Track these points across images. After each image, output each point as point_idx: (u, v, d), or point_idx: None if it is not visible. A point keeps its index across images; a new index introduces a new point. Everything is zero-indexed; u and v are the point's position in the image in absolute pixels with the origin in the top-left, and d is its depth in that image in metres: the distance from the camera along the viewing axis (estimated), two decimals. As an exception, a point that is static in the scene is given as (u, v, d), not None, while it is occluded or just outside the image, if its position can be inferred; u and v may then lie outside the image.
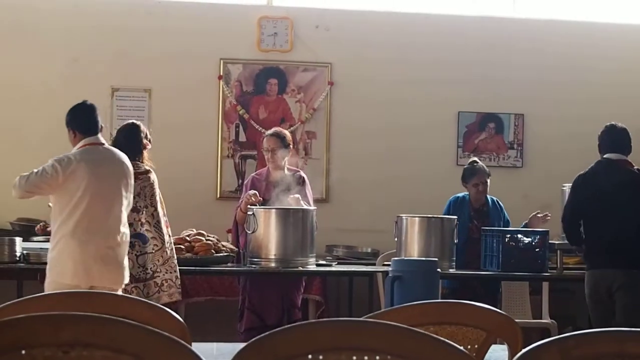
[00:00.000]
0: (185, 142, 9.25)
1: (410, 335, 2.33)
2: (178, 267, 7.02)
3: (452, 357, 2.30)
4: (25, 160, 9.05)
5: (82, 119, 6.26)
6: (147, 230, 6.61)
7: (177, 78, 9.30)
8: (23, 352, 2.26)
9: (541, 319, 8.47)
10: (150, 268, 6.58)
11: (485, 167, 8.07)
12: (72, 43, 9.23)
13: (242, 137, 9.37)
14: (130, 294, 6.11)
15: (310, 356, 2.30)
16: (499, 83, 9.69)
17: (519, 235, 7.72)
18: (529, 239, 7.73)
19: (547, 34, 9.76)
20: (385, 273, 7.10)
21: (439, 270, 6.84)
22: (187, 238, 7.49)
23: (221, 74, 9.41)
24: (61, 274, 6.02)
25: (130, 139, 6.82)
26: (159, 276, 6.61)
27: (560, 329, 8.25)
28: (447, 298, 7.79)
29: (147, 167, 6.80)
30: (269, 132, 7.76)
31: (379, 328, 2.37)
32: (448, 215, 7.90)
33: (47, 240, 7.82)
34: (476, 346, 3.21)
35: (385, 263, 7.80)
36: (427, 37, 9.63)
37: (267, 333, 2.35)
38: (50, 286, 5.99)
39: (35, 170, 6.08)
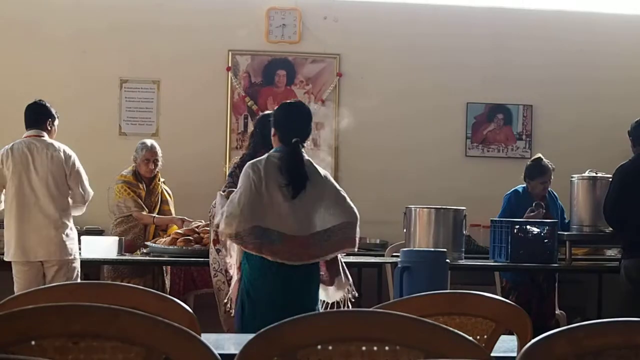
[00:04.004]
0: (193, 134, 9.25)
1: (420, 325, 2.33)
2: (187, 259, 7.20)
3: (462, 347, 2.30)
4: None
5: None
6: None
7: (186, 69, 9.30)
8: (33, 342, 2.27)
9: (550, 309, 8.46)
10: None
11: (550, 163, 8.02)
12: (81, 35, 9.23)
13: (251, 129, 9.36)
14: None
15: (319, 347, 2.30)
16: (507, 74, 9.67)
17: (528, 226, 7.71)
18: (538, 230, 7.71)
19: (556, 25, 9.73)
20: (394, 264, 7.10)
21: (447, 261, 6.84)
22: (196, 229, 7.50)
23: (229, 65, 9.41)
24: None
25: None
26: None
27: (569, 319, 8.25)
28: (509, 292, 7.83)
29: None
30: None
31: (388, 319, 2.37)
32: (509, 210, 7.91)
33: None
34: (485, 336, 3.21)
35: (394, 254, 7.79)
36: (436, 29, 9.61)
37: (276, 324, 2.35)
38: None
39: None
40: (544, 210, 7.93)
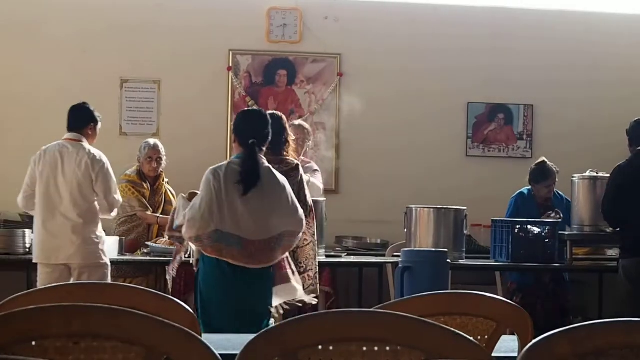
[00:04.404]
0: (194, 134, 9.25)
1: (421, 326, 2.33)
2: (187, 259, 7.21)
3: (463, 347, 2.30)
4: (34, 151, 9.08)
5: None
6: None
7: (187, 69, 9.30)
8: (34, 343, 2.27)
9: (551, 309, 8.45)
10: (303, 262, 6.63)
11: (554, 167, 8.04)
12: (81, 35, 9.23)
13: (252, 129, 9.36)
14: None
15: (320, 347, 2.30)
16: (508, 74, 9.66)
17: (529, 226, 7.71)
18: (539, 230, 7.72)
19: (556, 24, 9.72)
20: (395, 264, 7.11)
21: (448, 261, 6.84)
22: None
23: (230, 65, 9.40)
24: None
25: (278, 131, 6.68)
26: (311, 269, 6.66)
27: (570, 319, 8.24)
28: (515, 293, 7.84)
29: (297, 162, 6.65)
30: (297, 122, 7.87)
31: (389, 319, 2.37)
32: (516, 212, 7.92)
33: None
34: (486, 337, 3.21)
35: (395, 254, 7.80)
36: (436, 28, 9.60)
37: (276, 324, 2.35)
38: None
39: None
40: (560, 217, 7.94)
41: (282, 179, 5.75)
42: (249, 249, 5.50)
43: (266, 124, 5.80)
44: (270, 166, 5.75)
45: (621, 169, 7.21)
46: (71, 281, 6.74)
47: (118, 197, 7.03)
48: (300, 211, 5.77)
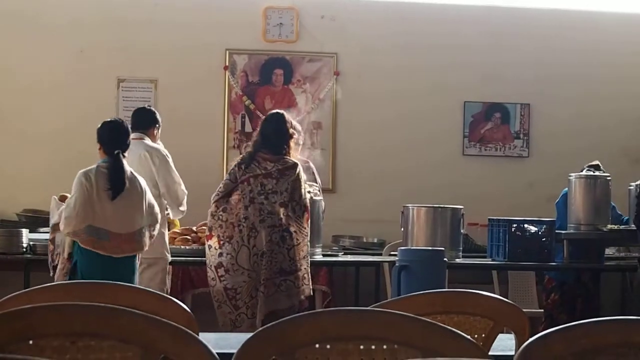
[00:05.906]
0: (191, 133, 9.25)
1: (417, 324, 2.34)
2: (188, 258, 7.21)
3: (459, 346, 2.30)
4: (31, 151, 9.08)
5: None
6: (290, 224, 6.66)
7: (183, 69, 9.30)
8: (31, 342, 2.27)
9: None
10: (297, 261, 6.65)
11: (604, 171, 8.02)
12: (78, 34, 9.22)
13: (248, 128, 9.37)
14: (279, 287, 6.61)
15: (317, 345, 2.30)
16: (505, 73, 9.67)
17: (526, 225, 7.71)
18: (536, 229, 7.71)
19: (553, 23, 9.73)
20: (392, 263, 7.10)
21: (445, 259, 6.84)
22: (194, 228, 7.49)
23: (227, 64, 9.40)
24: None
25: (276, 131, 6.82)
26: (301, 269, 6.68)
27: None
28: (553, 290, 7.83)
29: (295, 161, 6.78)
30: None
31: (385, 317, 2.37)
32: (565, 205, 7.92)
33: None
34: (483, 335, 3.21)
35: (392, 253, 7.79)
36: (433, 27, 9.60)
37: (273, 323, 2.35)
38: None
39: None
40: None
41: (142, 181, 6.45)
42: (116, 241, 6.23)
43: (127, 135, 6.48)
44: (132, 170, 6.42)
45: None
46: None
47: (183, 189, 7.04)
48: (157, 208, 6.50)
